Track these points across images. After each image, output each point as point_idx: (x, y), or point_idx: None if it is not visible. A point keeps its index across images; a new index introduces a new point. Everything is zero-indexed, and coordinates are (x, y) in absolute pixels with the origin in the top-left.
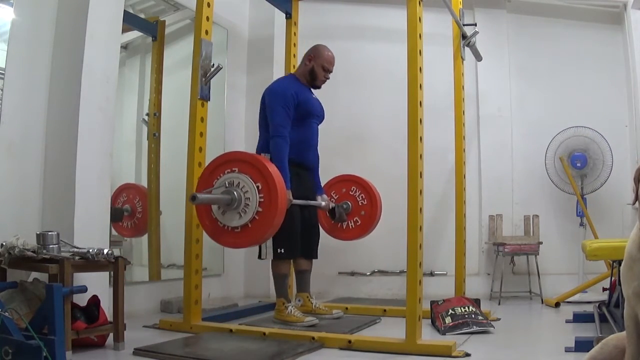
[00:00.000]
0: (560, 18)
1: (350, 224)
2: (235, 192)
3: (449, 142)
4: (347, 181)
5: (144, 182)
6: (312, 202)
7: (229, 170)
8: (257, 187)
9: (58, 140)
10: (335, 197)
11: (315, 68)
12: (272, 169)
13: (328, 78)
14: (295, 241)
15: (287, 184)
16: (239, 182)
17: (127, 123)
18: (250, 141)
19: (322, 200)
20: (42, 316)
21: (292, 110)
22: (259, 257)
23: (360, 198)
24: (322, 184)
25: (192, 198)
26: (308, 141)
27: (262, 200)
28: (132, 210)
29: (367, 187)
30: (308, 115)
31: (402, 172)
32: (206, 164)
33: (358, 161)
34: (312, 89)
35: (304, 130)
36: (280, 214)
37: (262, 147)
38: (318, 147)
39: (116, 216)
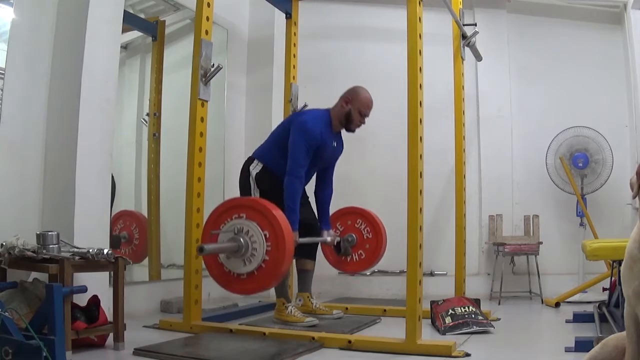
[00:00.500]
0: (560, 18)
1: (354, 257)
2: (242, 239)
3: (449, 142)
4: (353, 214)
5: (144, 182)
6: (318, 239)
7: (236, 216)
8: (265, 235)
9: (58, 141)
10: (341, 229)
11: (352, 112)
12: (280, 217)
13: (364, 122)
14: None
15: (295, 226)
16: (246, 229)
17: (127, 123)
18: (250, 141)
19: (328, 236)
20: (42, 316)
21: (312, 152)
22: None
23: (366, 231)
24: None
25: (200, 250)
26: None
27: (269, 248)
28: (129, 237)
29: (373, 220)
30: (314, 163)
31: (402, 172)
32: (206, 164)
33: (358, 161)
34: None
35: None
36: (287, 263)
37: (264, 154)
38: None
39: (114, 243)
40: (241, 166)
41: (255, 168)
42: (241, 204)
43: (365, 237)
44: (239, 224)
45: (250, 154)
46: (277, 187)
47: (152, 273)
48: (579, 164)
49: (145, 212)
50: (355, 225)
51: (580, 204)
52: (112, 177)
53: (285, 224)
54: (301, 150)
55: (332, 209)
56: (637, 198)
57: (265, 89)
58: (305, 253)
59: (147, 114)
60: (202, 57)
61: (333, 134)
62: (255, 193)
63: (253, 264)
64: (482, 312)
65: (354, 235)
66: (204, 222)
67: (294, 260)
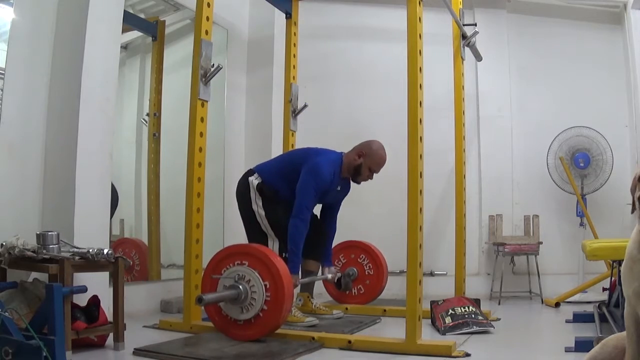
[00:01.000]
0: (560, 18)
1: (354, 291)
2: (241, 287)
3: (449, 142)
4: (356, 248)
5: (144, 182)
6: (318, 278)
7: (238, 263)
8: (265, 285)
9: (58, 141)
10: (344, 261)
11: (363, 167)
12: (282, 268)
13: (371, 178)
14: (305, 245)
15: (296, 269)
16: (247, 277)
17: (127, 123)
18: (250, 141)
19: (329, 273)
20: (42, 316)
21: (319, 194)
22: None
23: (368, 267)
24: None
25: (199, 300)
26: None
27: (268, 299)
28: (131, 264)
29: (374, 255)
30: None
31: (402, 172)
32: (206, 164)
33: None
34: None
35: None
36: (285, 313)
37: (265, 174)
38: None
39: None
40: (240, 173)
41: (257, 179)
42: (245, 251)
43: (366, 273)
44: (241, 272)
45: (250, 153)
46: (279, 200)
47: (152, 273)
48: (580, 164)
49: (144, 216)
50: (358, 260)
51: (580, 204)
52: (114, 187)
53: (286, 274)
54: (310, 194)
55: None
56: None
57: (265, 89)
58: (310, 254)
59: (147, 114)
60: (202, 57)
61: (340, 179)
62: (257, 201)
63: (251, 312)
64: (482, 312)
65: (355, 270)
66: (203, 269)
67: None
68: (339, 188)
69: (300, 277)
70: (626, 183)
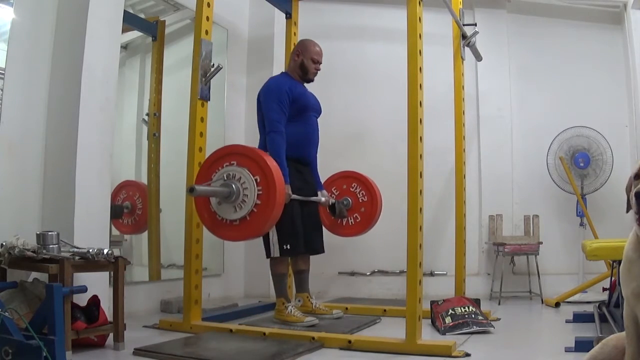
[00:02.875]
0: (560, 18)
1: (350, 221)
2: (233, 185)
3: (449, 142)
4: (348, 177)
5: (144, 182)
6: (312, 198)
7: (227, 164)
8: (255, 180)
9: (58, 140)
10: (336, 193)
11: (305, 62)
12: (271, 162)
13: (319, 69)
14: (299, 237)
15: (286, 179)
16: (237, 175)
17: (127, 123)
18: (250, 141)
19: (322, 196)
20: (42, 316)
21: (287, 106)
22: (267, 256)
23: (361, 195)
24: (322, 181)
25: (191, 190)
26: (309, 136)
27: (260, 192)
28: (132, 207)
29: (368, 183)
30: (305, 109)
31: (402, 172)
32: None
33: (358, 161)
34: (306, 84)
35: (303, 125)
36: (278, 207)
37: (262, 146)
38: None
39: (116, 213)
40: None
41: None
42: (232, 152)
43: (360, 200)
44: (230, 171)
45: None
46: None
47: (152, 273)
48: (580, 163)
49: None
50: (351, 189)
51: (580, 204)
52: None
53: (275, 168)
54: (273, 109)
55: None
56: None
57: None
58: (307, 248)
59: (147, 114)
60: (202, 57)
61: (301, 84)
62: None
63: (245, 209)
64: (482, 312)
65: (349, 199)
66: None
67: (289, 261)
68: (308, 90)
69: (294, 279)
70: (626, 183)
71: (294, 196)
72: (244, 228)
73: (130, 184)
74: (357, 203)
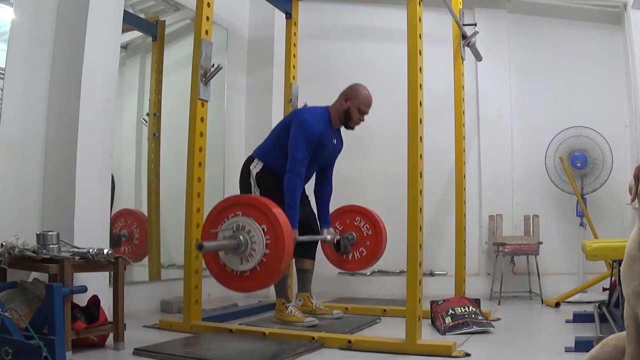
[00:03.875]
0: (560, 18)
1: (355, 255)
2: (241, 237)
3: (449, 142)
4: (352, 212)
5: (144, 182)
6: (317, 237)
7: (232, 215)
8: (263, 229)
9: (58, 140)
10: (340, 228)
11: (351, 110)
12: (279, 213)
13: (363, 120)
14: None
15: (295, 224)
16: (244, 226)
17: (127, 123)
18: (250, 141)
19: (327, 234)
20: (42, 316)
21: (312, 150)
22: None
23: (365, 228)
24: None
25: (199, 247)
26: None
27: (268, 242)
28: (130, 235)
29: (372, 217)
30: (313, 161)
31: (402, 172)
32: (206, 164)
33: (358, 161)
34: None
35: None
36: (288, 255)
37: (264, 153)
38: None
39: (114, 241)
40: (241, 166)
41: (256, 167)
42: (238, 202)
43: (365, 235)
44: (238, 222)
45: (250, 154)
46: (278, 186)
47: (152, 273)
48: (577, 164)
49: (145, 212)
50: (355, 223)
51: (580, 204)
52: (112, 177)
53: (283, 219)
54: (301, 148)
55: (332, 208)
56: (636, 198)
57: (265, 89)
58: (305, 252)
59: (147, 114)
60: (202, 57)
61: (332, 131)
62: (255, 192)
63: (253, 261)
64: (482, 312)
65: (354, 234)
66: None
67: (293, 260)
68: (334, 141)
69: (294, 277)
70: (626, 183)
71: (300, 238)
72: (254, 279)
73: (127, 212)
74: (362, 237)
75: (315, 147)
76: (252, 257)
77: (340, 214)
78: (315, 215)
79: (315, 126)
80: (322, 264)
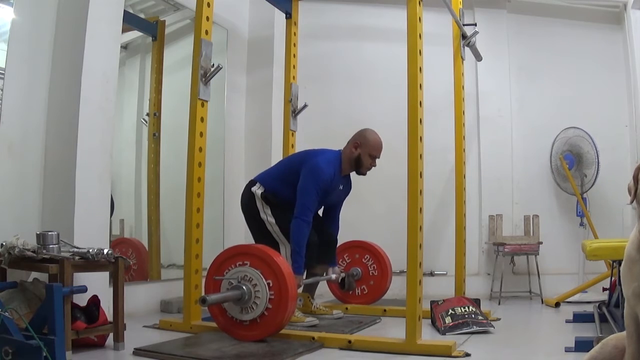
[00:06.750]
0: (560, 18)
1: (357, 292)
2: (244, 287)
3: (449, 142)
4: (360, 248)
5: (144, 182)
6: (322, 278)
7: (240, 263)
8: (268, 284)
9: (58, 140)
10: (348, 261)
11: (362, 156)
12: (284, 266)
13: (375, 165)
14: (312, 252)
15: (300, 270)
16: (249, 277)
17: (127, 123)
18: (250, 141)
19: (333, 273)
20: (42, 316)
21: (321, 194)
22: None
23: (372, 268)
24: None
25: (202, 301)
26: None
27: (272, 297)
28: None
29: (380, 256)
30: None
31: (402, 172)
32: (206, 164)
33: None
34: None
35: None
36: (289, 314)
37: (267, 182)
38: None
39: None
40: (240, 194)
41: (259, 189)
42: (246, 252)
43: (370, 274)
44: (243, 272)
45: (250, 153)
46: (285, 204)
47: (152, 273)
48: (567, 163)
49: (144, 216)
50: (363, 260)
51: (580, 204)
52: (112, 199)
53: (289, 273)
54: (311, 195)
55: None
56: (636, 199)
57: (265, 89)
58: (321, 260)
59: (147, 114)
60: (202, 57)
61: (341, 178)
62: (265, 210)
63: (255, 312)
64: (482, 312)
65: (359, 270)
66: (208, 268)
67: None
68: (341, 187)
69: (304, 277)
70: (626, 183)
71: (305, 280)
72: (253, 329)
73: (124, 241)
74: (367, 276)
75: (324, 191)
76: (253, 310)
77: (349, 248)
78: (328, 228)
79: (326, 173)
80: None
